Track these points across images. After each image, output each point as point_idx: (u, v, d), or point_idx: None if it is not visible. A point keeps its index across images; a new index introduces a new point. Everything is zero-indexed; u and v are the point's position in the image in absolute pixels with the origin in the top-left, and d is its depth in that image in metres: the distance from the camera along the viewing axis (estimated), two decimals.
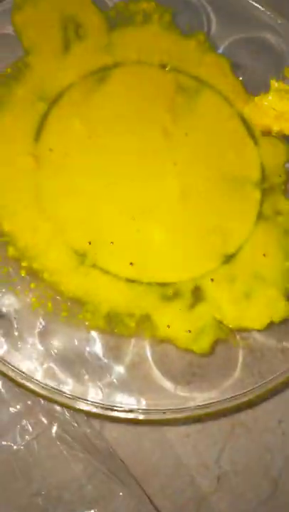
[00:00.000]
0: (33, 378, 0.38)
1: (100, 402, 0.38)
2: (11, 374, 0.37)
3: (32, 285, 0.40)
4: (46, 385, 0.38)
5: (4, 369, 0.37)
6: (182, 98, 0.48)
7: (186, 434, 0.44)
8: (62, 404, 0.38)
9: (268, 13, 0.50)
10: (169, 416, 0.39)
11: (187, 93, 0.48)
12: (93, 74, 0.47)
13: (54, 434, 0.40)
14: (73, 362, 0.40)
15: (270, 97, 0.44)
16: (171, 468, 0.43)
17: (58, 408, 0.40)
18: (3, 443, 0.39)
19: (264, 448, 0.45)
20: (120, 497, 0.40)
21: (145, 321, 0.41)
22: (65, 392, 0.38)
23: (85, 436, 0.40)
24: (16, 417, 0.39)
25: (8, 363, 0.38)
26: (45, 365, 0.39)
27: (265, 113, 0.44)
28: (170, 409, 0.39)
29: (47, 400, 0.38)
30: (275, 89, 0.44)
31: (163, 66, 0.49)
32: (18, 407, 0.39)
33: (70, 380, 0.39)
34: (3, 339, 0.39)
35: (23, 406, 0.39)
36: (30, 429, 0.39)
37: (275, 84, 0.45)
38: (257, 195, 0.46)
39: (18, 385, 0.38)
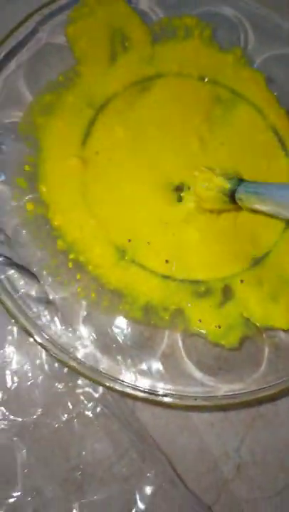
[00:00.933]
0: (75, 358, 0.45)
1: (136, 384, 0.46)
2: (57, 353, 0.45)
3: (78, 276, 0.48)
4: (86, 364, 0.45)
5: (52, 349, 0.45)
6: (219, 109, 0.55)
7: (210, 423, 0.51)
8: (99, 383, 0.45)
9: None
10: (199, 403, 0.46)
11: (224, 105, 0.56)
12: (137, 84, 0.54)
13: (91, 415, 0.47)
14: (111, 348, 0.47)
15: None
16: (195, 453, 0.50)
17: (96, 391, 0.47)
18: (47, 420, 0.47)
19: (282, 442, 0.52)
20: (148, 477, 0.47)
21: (178, 314, 0.49)
22: (103, 372, 0.45)
23: (119, 417, 0.48)
24: (59, 397, 0.47)
25: (55, 342, 0.45)
26: (86, 349, 0.47)
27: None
28: (201, 396, 0.46)
29: (86, 378, 0.45)
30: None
31: (202, 78, 0.56)
32: (61, 387, 0.47)
33: (108, 364, 0.46)
34: (50, 322, 0.46)
35: (65, 386, 0.47)
36: (71, 407, 0.47)
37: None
38: None
39: (63, 364, 0.45)
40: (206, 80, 0.56)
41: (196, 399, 0.46)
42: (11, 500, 0.45)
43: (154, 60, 0.55)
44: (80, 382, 0.47)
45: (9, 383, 0.47)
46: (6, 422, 0.46)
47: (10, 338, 0.47)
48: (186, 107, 0.55)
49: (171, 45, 0.56)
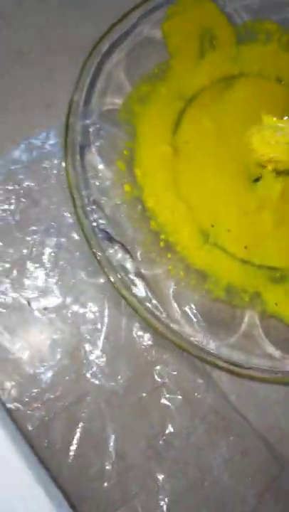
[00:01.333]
0: (165, 325, 0.49)
1: (220, 355, 0.50)
2: (149, 320, 0.49)
3: (168, 255, 0.52)
4: (173, 330, 0.49)
5: (144, 314, 0.49)
6: None
7: (277, 401, 0.55)
8: (183, 349, 0.49)
9: None
10: (279, 377, 0.50)
11: None
12: (222, 80, 0.59)
13: (173, 385, 0.51)
14: (196, 324, 0.51)
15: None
16: (264, 428, 0.54)
17: (180, 362, 0.51)
18: (134, 388, 0.50)
19: None
20: (222, 447, 0.51)
21: (256, 297, 0.53)
22: (189, 339, 0.50)
23: (200, 388, 0.52)
24: (146, 366, 0.51)
25: (148, 310, 0.49)
26: (174, 321, 0.50)
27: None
28: (281, 370, 0.51)
29: (172, 343, 0.49)
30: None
31: (279, 80, 0.61)
32: (149, 357, 0.51)
33: (194, 333, 0.51)
34: (143, 294, 0.50)
35: (153, 357, 0.51)
36: (156, 377, 0.51)
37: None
38: None
39: (152, 330, 0.50)
40: (283, 82, 0.61)
41: (276, 373, 0.50)
42: (98, 462, 0.48)
43: (237, 60, 0.60)
44: (166, 355, 0.51)
45: (102, 350, 0.50)
46: (96, 389, 0.49)
47: (105, 307, 0.51)
48: (265, 106, 0.59)
49: (253, 47, 0.61)
